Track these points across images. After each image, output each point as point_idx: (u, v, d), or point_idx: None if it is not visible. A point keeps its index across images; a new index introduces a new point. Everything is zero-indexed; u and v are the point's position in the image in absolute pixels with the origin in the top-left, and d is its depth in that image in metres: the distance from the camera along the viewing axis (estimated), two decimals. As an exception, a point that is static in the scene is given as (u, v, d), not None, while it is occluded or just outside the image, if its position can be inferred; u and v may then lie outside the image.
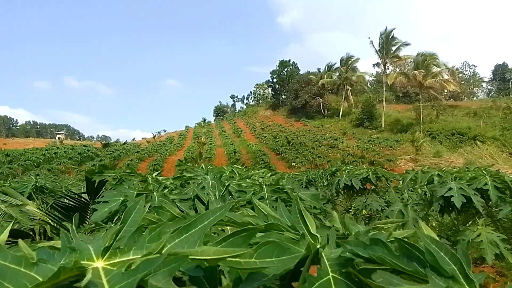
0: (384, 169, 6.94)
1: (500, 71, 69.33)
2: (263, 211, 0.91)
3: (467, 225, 3.93)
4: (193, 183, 2.33)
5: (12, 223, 2.81)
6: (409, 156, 27.28)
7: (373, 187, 5.94)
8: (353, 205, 5.86)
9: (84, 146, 45.47)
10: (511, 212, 3.72)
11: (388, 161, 26.90)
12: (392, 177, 5.56)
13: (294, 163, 30.13)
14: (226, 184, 2.24)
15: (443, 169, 4.14)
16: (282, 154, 35.20)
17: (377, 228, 1.12)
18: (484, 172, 3.85)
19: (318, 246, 0.69)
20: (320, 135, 44.14)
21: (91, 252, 0.60)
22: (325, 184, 5.94)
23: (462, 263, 0.55)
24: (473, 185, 3.73)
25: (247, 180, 2.65)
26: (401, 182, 5.83)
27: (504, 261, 5.08)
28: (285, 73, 70.87)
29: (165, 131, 72.09)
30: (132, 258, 0.57)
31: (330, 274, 0.65)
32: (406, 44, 44.49)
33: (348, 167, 6.00)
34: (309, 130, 48.78)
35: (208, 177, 2.30)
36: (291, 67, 71.67)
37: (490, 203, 3.92)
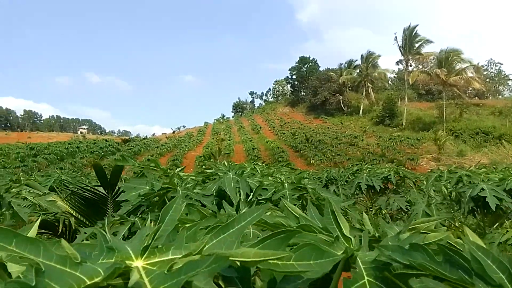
0: (405, 168, 6.82)
1: (527, 68, 66.92)
2: (293, 212, 0.90)
3: (494, 227, 3.83)
4: (215, 179, 2.34)
5: (40, 216, 2.89)
6: (431, 155, 26.72)
7: (395, 186, 5.86)
8: (374, 204, 5.79)
9: (106, 140, 46.38)
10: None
11: (410, 160, 26.39)
12: (414, 177, 5.46)
13: (313, 161, 29.95)
14: (249, 181, 2.24)
15: (471, 169, 4.04)
16: (301, 151, 35.05)
17: (413, 229, 1.10)
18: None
19: (355, 249, 0.68)
20: (340, 132, 43.72)
21: (129, 251, 0.60)
22: (346, 183, 5.88)
23: (510, 272, 0.53)
24: (502, 186, 3.63)
25: (269, 177, 2.65)
26: (424, 182, 5.72)
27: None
28: (304, 69, 70.44)
29: (184, 127, 72.81)
30: (172, 258, 0.57)
31: (366, 278, 0.64)
32: (429, 41, 43.52)
33: (369, 166, 5.93)
34: (328, 128, 48.38)
35: (230, 173, 2.30)
36: (310, 63, 71.16)
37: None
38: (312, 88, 59.59)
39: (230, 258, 0.53)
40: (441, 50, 40.40)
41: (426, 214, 4.31)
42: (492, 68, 69.25)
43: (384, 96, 50.94)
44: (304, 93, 68.30)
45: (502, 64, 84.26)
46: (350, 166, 6.66)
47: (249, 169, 3.12)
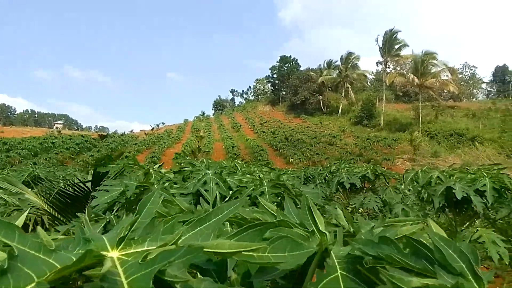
0: (382, 168, 6.96)
1: (500, 73, 69.36)
2: (268, 208, 0.91)
3: (464, 226, 3.96)
4: (194, 177, 2.34)
5: (27, 211, 2.82)
6: (406, 156, 27.33)
7: (371, 185, 5.97)
8: (350, 203, 5.89)
9: (82, 136, 45.38)
10: (508, 213, 3.75)
11: (386, 160, 26.94)
12: (390, 175, 5.58)
13: (292, 160, 30.17)
14: (227, 179, 2.25)
15: (444, 170, 4.16)
16: (280, 150, 35.23)
17: (388, 226, 1.13)
18: (484, 173, 3.87)
19: (329, 243, 0.70)
20: (319, 132, 44.16)
21: (105, 242, 0.60)
22: (323, 181, 5.96)
23: (471, 261, 0.56)
24: (473, 186, 3.75)
25: (248, 175, 2.66)
26: (401, 180, 5.86)
27: (500, 262, 5.12)
28: (285, 69, 70.77)
29: (163, 123, 71.91)
30: (147, 249, 0.57)
31: (339, 271, 0.66)
32: (406, 45, 44.58)
33: (347, 165, 6.03)
34: (307, 127, 48.79)
35: (209, 172, 2.30)
36: (291, 63, 71.55)
37: (488, 204, 3.94)
38: (292, 88, 59.93)
39: (205, 249, 0.54)
40: (418, 53, 41.38)
41: (404, 212, 4.43)
42: (466, 72, 71.31)
43: (363, 96, 51.74)
44: (284, 92, 68.63)
45: (476, 68, 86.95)
46: (328, 165, 6.75)
47: (228, 167, 3.12)
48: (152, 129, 60.85)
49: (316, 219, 0.79)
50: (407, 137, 31.32)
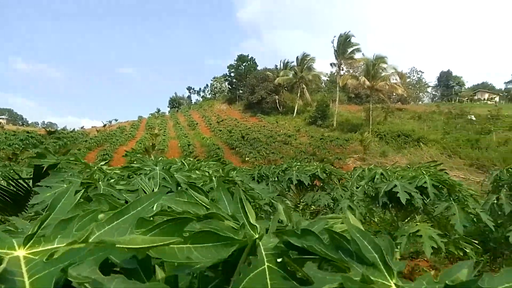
0: (333, 167, 7.16)
1: (444, 77, 73.73)
2: (201, 202, 0.90)
3: (406, 221, 4.16)
4: (140, 174, 2.27)
5: None
6: (357, 155, 28.38)
7: (322, 183, 6.12)
8: (302, 201, 6.01)
9: (27, 132, 42.77)
10: (446, 209, 3.98)
11: (338, 159, 27.82)
12: (339, 174, 5.75)
13: (248, 158, 30.32)
14: (176, 175, 2.20)
15: (387, 168, 4.35)
16: (236, 149, 35.27)
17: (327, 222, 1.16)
18: (424, 171, 4.09)
19: (256, 236, 0.70)
20: (275, 131, 44.69)
21: (12, 241, 0.56)
22: (276, 179, 6.03)
23: (383, 252, 0.57)
24: (414, 183, 3.95)
25: (197, 171, 2.63)
26: (348, 179, 6.05)
27: (438, 256, 5.44)
28: (242, 68, 70.86)
29: (116, 120, 69.47)
30: (57, 247, 0.54)
31: (266, 264, 0.66)
32: (358, 50, 46.27)
33: (298, 164, 6.14)
34: (264, 126, 49.20)
35: (157, 167, 2.25)
36: (249, 62, 71.76)
37: (428, 200, 4.17)
38: (249, 87, 60.15)
39: (117, 246, 0.52)
40: (370, 57, 43.10)
41: (350, 209, 4.57)
42: (414, 76, 75.14)
43: (318, 97, 53.00)
44: (241, 91, 68.71)
45: (423, 72, 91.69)
46: (281, 164, 6.84)
47: (178, 163, 3.06)
48: (104, 125, 58.60)
49: (247, 212, 0.78)
50: (358, 137, 32.50)
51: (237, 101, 69.30)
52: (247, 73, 67.35)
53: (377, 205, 4.35)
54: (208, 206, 0.87)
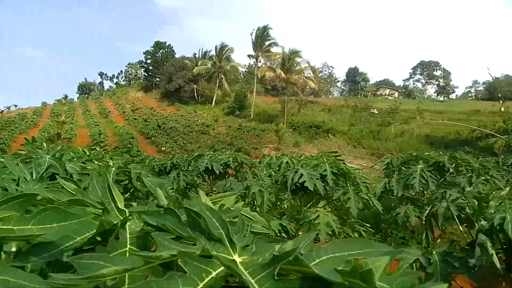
0: (248, 156, 7.33)
1: (352, 73, 79.41)
2: (67, 188, 0.89)
3: (308, 206, 4.46)
4: (28, 162, 2.10)
5: None
6: (272, 145, 29.38)
7: (234, 172, 6.24)
8: (214, 189, 6.07)
9: None
10: (343, 194, 4.33)
11: (254, 149, 28.49)
12: (251, 163, 5.91)
13: (164, 148, 29.59)
14: (68, 165, 2.09)
15: (293, 156, 4.59)
16: (152, 138, 34.19)
17: (215, 202, 1.20)
18: (325, 159, 4.40)
19: (118, 221, 0.71)
20: (193, 121, 44.13)
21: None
22: (187, 168, 6.00)
23: (229, 229, 0.62)
24: (316, 170, 4.22)
25: (95, 161, 2.52)
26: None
27: (337, 238, 5.91)
28: (160, 55, 68.47)
29: (16, 106, 62.61)
30: None
31: (128, 246, 0.68)
32: (276, 44, 47.60)
33: (211, 152, 6.18)
34: (181, 115, 48.29)
35: (48, 156, 2.11)
36: (166, 49, 69.55)
37: (327, 186, 4.49)
38: (167, 75, 58.41)
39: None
40: (286, 50, 44.61)
41: (260, 192, 4.73)
42: (325, 71, 79.62)
43: (236, 88, 53.47)
44: (158, 79, 66.40)
45: (333, 68, 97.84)
46: (193, 152, 6.82)
47: (73, 153, 2.89)
48: (1, 112, 52.51)
49: (115, 197, 0.80)
50: (274, 128, 33.61)
51: (153, 89, 66.89)
52: (165, 60, 65.28)
53: (286, 191, 4.57)
54: (73, 193, 0.86)
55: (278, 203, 6.10)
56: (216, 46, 55.94)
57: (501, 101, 23.89)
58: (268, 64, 53.11)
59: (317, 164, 4.29)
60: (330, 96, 72.70)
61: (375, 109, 40.75)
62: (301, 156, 4.63)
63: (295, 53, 42.88)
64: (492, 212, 2.15)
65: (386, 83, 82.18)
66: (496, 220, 1.93)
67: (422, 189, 5.72)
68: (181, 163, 6.36)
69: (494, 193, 2.41)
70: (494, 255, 1.87)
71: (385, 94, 68.20)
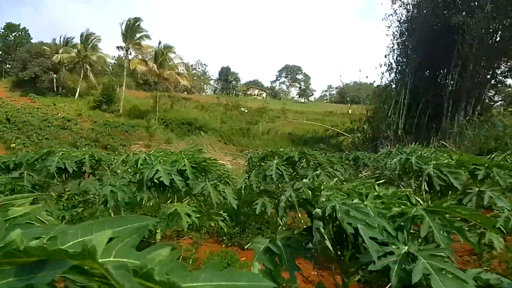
0: (102, 153, 6.91)
1: (224, 72, 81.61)
2: None
3: (168, 202, 4.45)
4: None
5: None
6: (143, 142, 28.30)
7: (91, 170, 5.84)
8: (67, 189, 5.59)
9: None
10: (202, 188, 4.44)
11: (123, 146, 27.02)
12: (108, 160, 5.62)
13: (14, 144, 25.89)
14: None
15: (151, 153, 4.52)
16: (0, 133, 29.63)
17: (4, 205, 1.10)
18: (184, 155, 4.44)
19: None
20: (51, 114, 39.61)
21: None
22: (33, 167, 5.38)
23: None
24: (175, 166, 4.23)
25: None
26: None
27: (199, 233, 6.04)
28: (12, 38, 59.69)
29: None
30: None
31: None
32: (148, 36, 45.93)
33: (63, 149, 5.67)
34: (37, 108, 42.85)
35: None
36: (20, 32, 61.03)
37: (188, 181, 4.54)
38: (20, 61, 51.16)
39: None
40: (159, 43, 43.45)
41: (112, 192, 4.51)
42: (199, 68, 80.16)
43: (104, 80, 49.90)
44: (9, 66, 57.78)
45: (207, 65, 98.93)
46: (41, 149, 6.17)
47: None
48: None
49: None
50: (145, 124, 32.42)
51: (2, 77, 57.99)
52: (18, 45, 57.19)
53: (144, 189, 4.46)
54: None
55: (143, 202, 5.94)
56: (82, 34, 51.28)
57: (349, 104, 27.44)
58: (140, 57, 50.94)
59: (176, 160, 4.31)
60: (203, 93, 73.50)
61: (245, 108, 42.68)
62: (160, 152, 4.58)
63: (168, 48, 42.06)
64: (323, 200, 2.44)
65: (255, 84, 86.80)
66: (328, 209, 2.20)
67: (277, 182, 6.25)
68: (24, 161, 5.67)
69: (324, 183, 2.74)
70: (327, 239, 2.14)
71: (255, 94, 72.05)
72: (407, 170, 4.38)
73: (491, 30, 20.28)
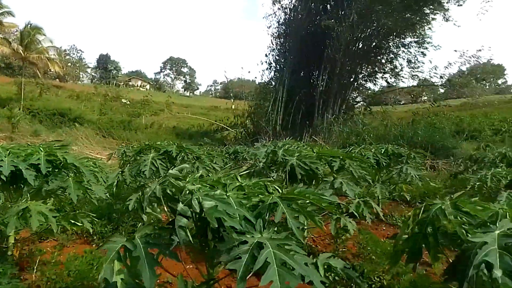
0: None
1: (104, 60, 75.93)
2: None
3: (19, 200, 3.96)
4: None
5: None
6: (4, 134, 24.66)
7: None
8: None
9: None
10: (58, 187, 4.06)
11: (-23, 138, 23.18)
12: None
13: None
14: None
15: (1, 145, 3.97)
16: None
17: None
18: (41, 149, 4.00)
19: None
20: None
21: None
22: None
23: None
24: (28, 160, 3.80)
25: None
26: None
27: (66, 233, 5.51)
28: None
29: None
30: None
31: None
32: (11, 14, 40.10)
33: None
34: None
35: None
36: None
37: (48, 177, 4.11)
38: None
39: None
40: (25, 24, 38.38)
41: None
42: (74, 54, 73.15)
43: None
44: None
45: (83, 52, 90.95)
46: None
47: None
48: None
49: None
50: (7, 113, 28.27)
51: None
52: None
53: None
54: None
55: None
56: None
57: (232, 100, 28.05)
58: (1, 36, 44.23)
59: (30, 153, 3.87)
60: (79, 82, 67.25)
61: (127, 100, 40.36)
62: (11, 145, 4.05)
63: (36, 29, 37.31)
64: (187, 192, 2.40)
65: (138, 74, 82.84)
66: (194, 205, 2.15)
67: (153, 176, 6.06)
68: None
69: (190, 176, 2.71)
70: (188, 233, 2.10)
71: (137, 85, 68.66)
72: (276, 161, 4.66)
73: (354, 38, 22.84)
